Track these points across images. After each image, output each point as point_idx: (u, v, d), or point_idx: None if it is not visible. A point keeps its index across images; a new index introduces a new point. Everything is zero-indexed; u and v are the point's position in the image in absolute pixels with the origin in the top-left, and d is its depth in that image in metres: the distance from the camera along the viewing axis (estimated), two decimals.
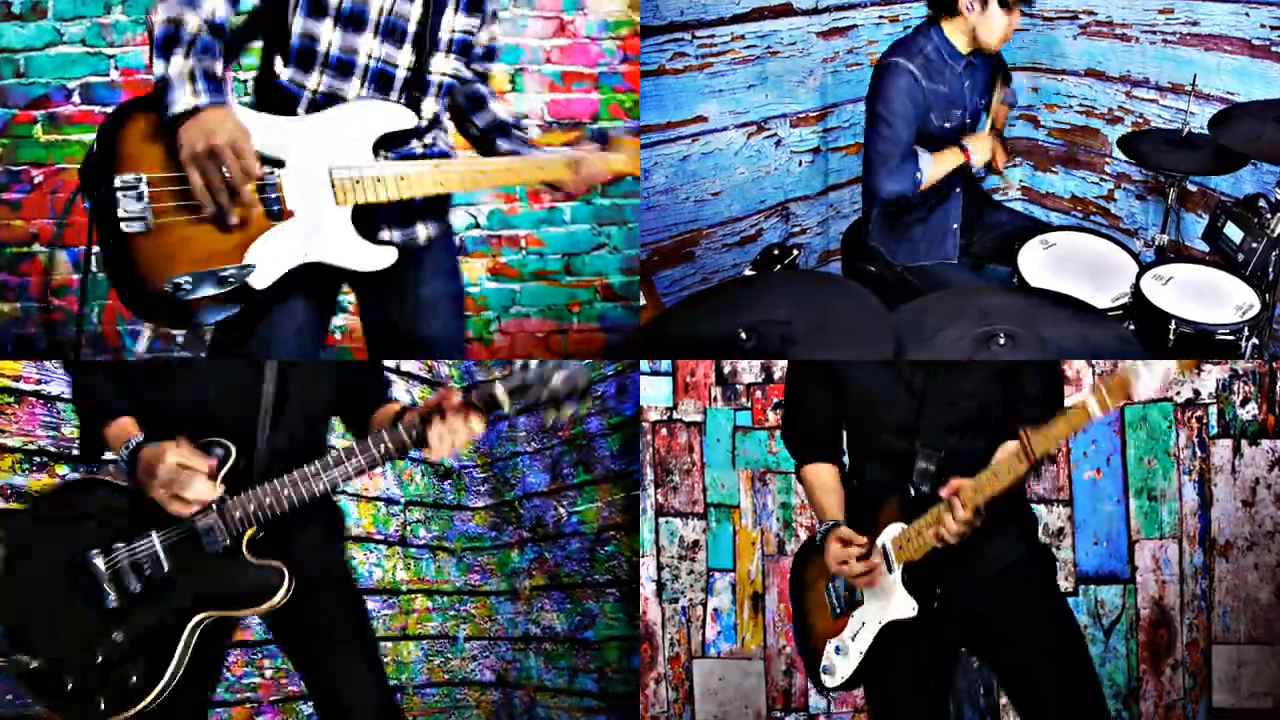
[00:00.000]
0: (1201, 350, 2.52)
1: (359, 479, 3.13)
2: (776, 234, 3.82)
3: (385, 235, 2.03)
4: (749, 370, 3.09)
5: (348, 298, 2.27)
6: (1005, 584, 1.86)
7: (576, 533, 3.31)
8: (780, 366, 3.03)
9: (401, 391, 3.50)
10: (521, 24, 3.64)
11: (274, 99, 1.94)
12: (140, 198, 1.76)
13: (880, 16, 3.83)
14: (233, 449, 1.67)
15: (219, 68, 1.80)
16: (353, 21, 1.92)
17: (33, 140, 3.31)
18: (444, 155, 2.11)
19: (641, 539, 3.08)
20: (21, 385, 2.43)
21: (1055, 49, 3.95)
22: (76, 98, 3.32)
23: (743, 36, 3.47)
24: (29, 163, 3.32)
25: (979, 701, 2.76)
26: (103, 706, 1.58)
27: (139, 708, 1.59)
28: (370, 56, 1.94)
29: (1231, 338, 2.49)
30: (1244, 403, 2.68)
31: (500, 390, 1.64)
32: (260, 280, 1.85)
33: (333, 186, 1.89)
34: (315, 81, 1.93)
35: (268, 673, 2.93)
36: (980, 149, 2.96)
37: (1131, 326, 2.59)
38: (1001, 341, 2.03)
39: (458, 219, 3.69)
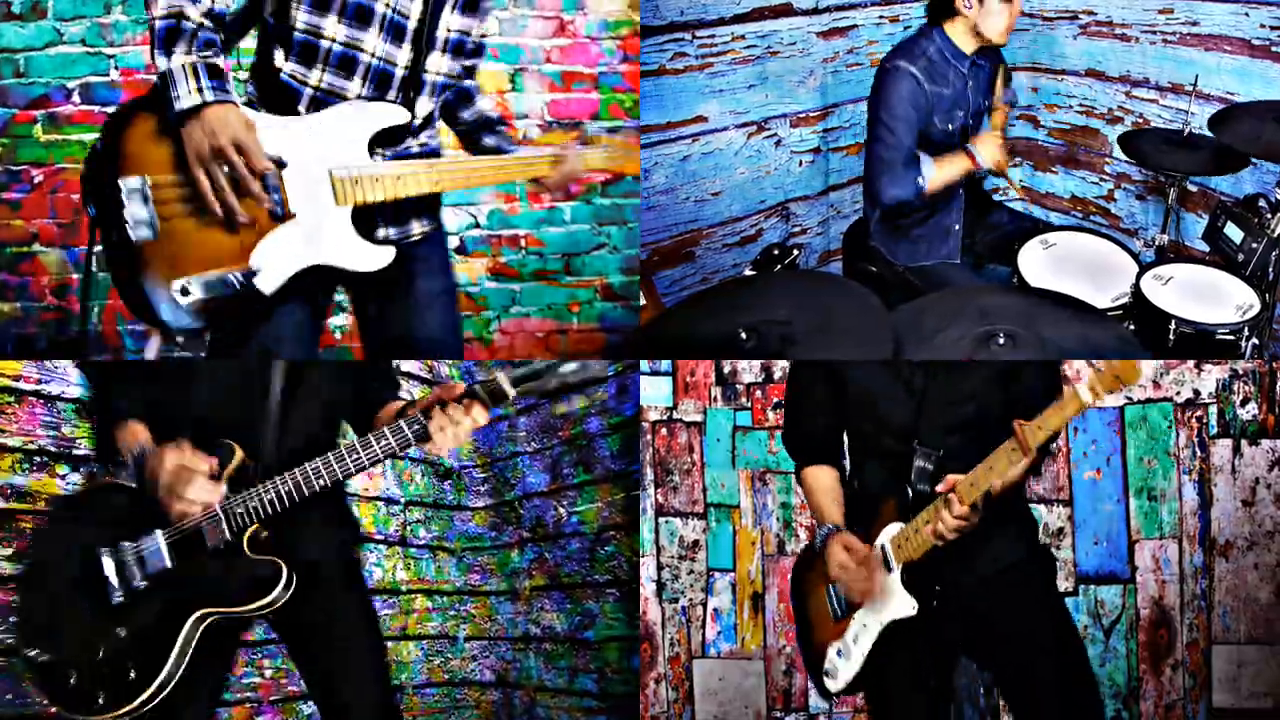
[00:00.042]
0: (1201, 350, 2.52)
1: (361, 477, 3.14)
2: (777, 234, 3.83)
3: (382, 233, 2.03)
4: (749, 370, 3.09)
5: (347, 296, 2.27)
6: (1005, 583, 1.86)
7: (576, 533, 3.31)
8: (780, 366, 3.03)
9: (403, 392, 3.49)
10: (521, 24, 3.64)
11: (274, 94, 1.93)
12: (145, 200, 1.75)
13: (880, 16, 3.83)
14: (237, 448, 1.68)
15: (221, 60, 1.79)
16: (359, 17, 1.90)
17: (33, 140, 3.31)
18: (435, 153, 2.12)
19: (641, 539, 3.08)
20: (21, 385, 2.43)
21: (1055, 49, 3.95)
22: (76, 97, 3.32)
23: (743, 36, 3.48)
24: (29, 163, 3.32)
25: (979, 701, 2.76)
26: (101, 701, 1.60)
27: (135, 703, 1.60)
28: (373, 54, 1.93)
29: (1231, 338, 2.49)
30: (1244, 403, 2.68)
31: (504, 379, 1.65)
32: (267, 283, 1.85)
33: (333, 186, 1.89)
34: (317, 78, 1.92)
35: (268, 673, 2.93)
36: (986, 153, 2.91)
37: (1131, 326, 2.59)
38: (1001, 341, 2.03)
39: (458, 218, 3.69)
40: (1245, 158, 2.86)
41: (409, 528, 3.53)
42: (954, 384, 1.87)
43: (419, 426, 1.67)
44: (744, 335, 2.00)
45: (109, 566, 1.64)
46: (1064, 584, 2.77)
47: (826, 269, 3.97)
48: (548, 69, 3.68)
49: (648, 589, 3.11)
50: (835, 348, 1.98)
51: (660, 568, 3.11)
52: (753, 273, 2.93)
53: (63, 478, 2.46)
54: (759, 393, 3.08)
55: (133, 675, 1.61)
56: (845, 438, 2.05)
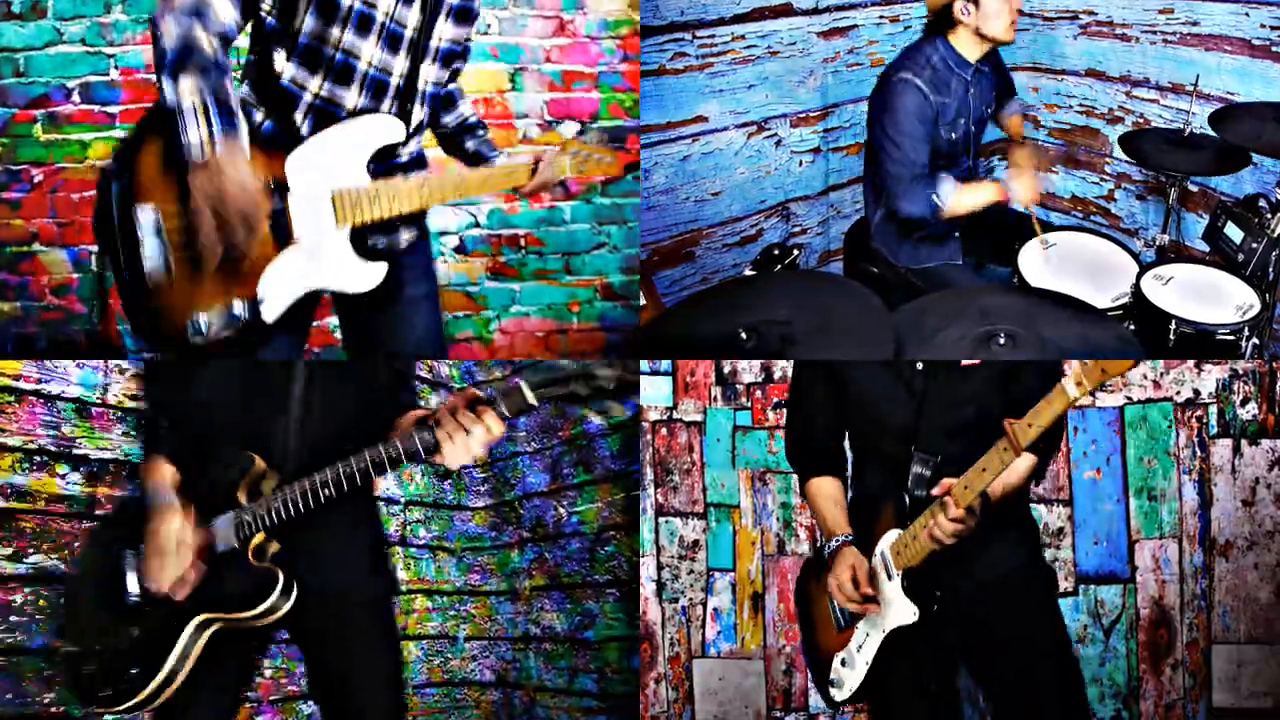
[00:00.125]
0: (1202, 350, 2.52)
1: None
2: (777, 234, 3.83)
3: (372, 241, 2.04)
4: (749, 370, 3.09)
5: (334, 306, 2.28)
6: (1004, 589, 1.86)
7: (576, 533, 3.31)
8: (780, 366, 3.03)
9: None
10: (521, 24, 3.64)
11: (272, 97, 1.91)
12: (159, 233, 1.75)
13: (880, 16, 3.83)
14: (257, 459, 1.70)
15: (229, 86, 1.75)
16: (361, 25, 1.89)
17: (33, 140, 3.31)
18: (422, 159, 2.13)
19: (641, 539, 3.08)
20: (21, 385, 2.43)
21: (1055, 49, 3.95)
22: (76, 97, 3.32)
23: (743, 36, 3.48)
24: (29, 162, 3.32)
25: (979, 702, 2.76)
26: (108, 694, 1.66)
27: (134, 701, 1.64)
28: (370, 64, 1.92)
29: (1231, 338, 2.49)
30: (1244, 402, 2.68)
31: (525, 388, 1.62)
32: (270, 312, 1.85)
33: (334, 207, 1.90)
34: (317, 85, 1.91)
35: (268, 673, 2.93)
36: (1023, 192, 2.80)
37: (1132, 326, 2.59)
38: (1002, 341, 2.03)
39: (458, 218, 3.69)
40: (1246, 157, 2.86)
41: (409, 527, 3.53)
42: (954, 386, 1.87)
43: (430, 437, 1.64)
44: (744, 335, 2.00)
45: (127, 566, 1.69)
46: (1064, 584, 2.77)
47: (827, 269, 3.97)
48: (548, 68, 3.68)
49: (648, 589, 3.10)
50: (836, 348, 1.97)
51: (660, 568, 3.11)
52: (753, 273, 2.93)
53: (63, 477, 2.46)
54: (759, 393, 3.08)
55: (134, 673, 1.65)
56: (848, 444, 2.05)
